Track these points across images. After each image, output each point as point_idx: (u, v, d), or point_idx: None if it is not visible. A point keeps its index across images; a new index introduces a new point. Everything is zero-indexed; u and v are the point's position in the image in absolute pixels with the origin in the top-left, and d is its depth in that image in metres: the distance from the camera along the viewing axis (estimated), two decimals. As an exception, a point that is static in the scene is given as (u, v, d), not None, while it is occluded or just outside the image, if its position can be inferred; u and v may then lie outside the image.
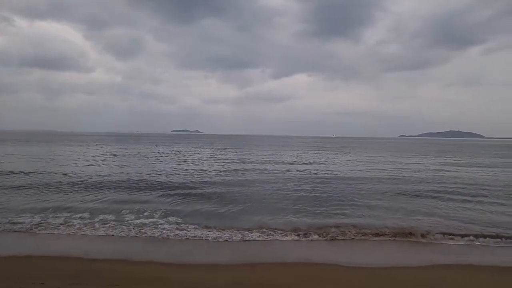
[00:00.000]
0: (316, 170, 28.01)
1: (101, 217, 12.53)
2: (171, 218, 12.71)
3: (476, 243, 10.66)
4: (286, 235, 11.16)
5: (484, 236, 11.01)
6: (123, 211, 13.42)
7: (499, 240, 10.86)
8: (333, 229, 11.61)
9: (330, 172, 26.62)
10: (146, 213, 13.27)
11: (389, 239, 10.98)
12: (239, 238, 10.85)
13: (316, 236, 11.10)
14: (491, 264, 9.00)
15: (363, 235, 11.23)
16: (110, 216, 12.71)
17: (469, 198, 16.83)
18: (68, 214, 12.78)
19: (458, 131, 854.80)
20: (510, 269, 8.71)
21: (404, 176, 24.78)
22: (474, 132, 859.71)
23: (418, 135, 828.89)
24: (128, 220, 12.31)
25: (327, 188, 19.07)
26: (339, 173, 26.14)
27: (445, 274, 8.35)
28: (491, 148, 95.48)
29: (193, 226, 11.69)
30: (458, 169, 31.49)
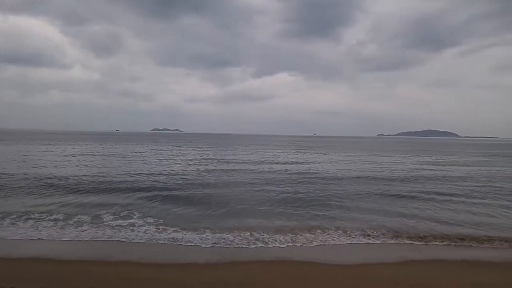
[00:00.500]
0: (298, 170, 27.90)
1: (76, 218, 12.23)
2: (149, 219, 12.52)
3: (451, 243, 10.90)
4: (266, 235, 11.17)
5: (458, 237, 11.23)
6: (99, 213, 13.13)
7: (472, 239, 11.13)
8: (317, 230, 11.69)
9: (312, 172, 26.54)
10: (123, 214, 13.01)
11: (369, 238, 11.15)
12: (218, 238, 10.81)
13: (297, 236, 11.17)
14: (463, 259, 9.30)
15: (343, 232, 11.40)
16: (86, 217, 12.42)
17: (448, 198, 17.00)
18: (42, 216, 12.40)
19: (435, 130, 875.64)
20: (480, 263, 9.02)
21: (385, 175, 24.99)
22: (450, 131, 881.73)
23: (396, 134, 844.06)
24: (105, 222, 12.05)
25: (309, 188, 18.99)
26: (321, 173, 26.10)
27: (420, 270, 8.56)
28: (467, 147, 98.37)
29: (172, 229, 11.51)
30: (437, 168, 32.29)
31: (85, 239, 10.37)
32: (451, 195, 17.65)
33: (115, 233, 10.95)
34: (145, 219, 12.49)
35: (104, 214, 12.96)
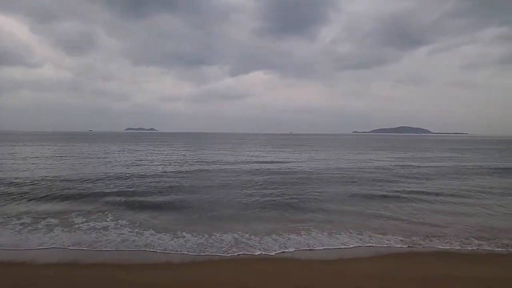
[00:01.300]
0: (276, 169, 27.46)
1: (46, 222, 11.90)
2: (122, 222, 12.34)
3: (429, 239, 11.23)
4: (244, 234, 11.20)
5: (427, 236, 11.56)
6: (71, 215, 12.83)
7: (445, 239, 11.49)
8: (296, 230, 11.80)
9: (290, 172, 26.02)
10: (95, 217, 12.76)
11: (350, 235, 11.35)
12: (194, 240, 10.76)
13: (276, 235, 11.25)
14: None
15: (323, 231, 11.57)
16: (56, 220, 12.11)
17: (425, 198, 16.92)
18: (11, 220, 12.02)
19: (408, 127, 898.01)
20: (453, 255, 9.36)
21: (363, 175, 24.37)
22: (422, 127, 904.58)
23: (371, 131, 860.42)
24: (77, 224, 11.79)
25: (286, 188, 18.70)
26: (298, 172, 25.56)
27: (388, 263, 8.87)
28: (439, 143, 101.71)
29: (149, 232, 11.36)
30: (414, 164, 32.94)
31: (55, 244, 10.09)
32: (429, 193, 17.78)
33: (88, 235, 10.75)
34: (117, 222, 12.30)
35: (75, 217, 12.65)
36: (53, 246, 9.84)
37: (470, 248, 9.82)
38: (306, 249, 10.00)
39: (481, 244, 10.18)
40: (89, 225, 11.76)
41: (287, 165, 30.72)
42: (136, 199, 15.75)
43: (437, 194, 17.44)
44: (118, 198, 15.79)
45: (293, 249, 9.95)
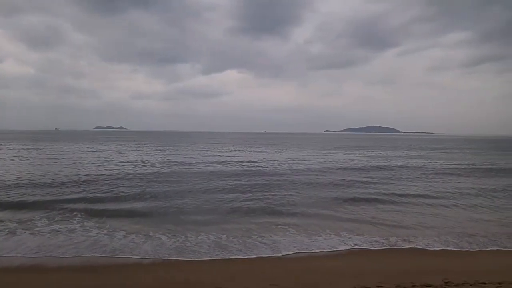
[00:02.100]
0: (251, 170, 26.98)
1: (6, 227, 11.47)
2: (87, 223, 12.15)
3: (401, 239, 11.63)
4: (214, 236, 11.24)
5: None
6: (34, 218, 12.52)
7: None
8: (268, 230, 12.03)
9: (265, 173, 25.51)
10: (59, 219, 12.54)
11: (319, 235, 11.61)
12: (168, 241, 10.72)
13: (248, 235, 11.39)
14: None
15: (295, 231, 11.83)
16: (18, 225, 11.72)
17: (399, 200, 17.19)
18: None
19: (378, 126, 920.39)
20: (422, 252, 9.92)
21: (338, 177, 23.77)
22: (391, 127, 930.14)
23: (342, 131, 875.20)
24: (40, 228, 11.52)
25: (262, 192, 18.23)
26: (275, 174, 25.11)
27: (362, 261, 9.25)
28: (408, 142, 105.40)
29: (122, 233, 11.25)
30: (388, 165, 33.57)
31: (17, 249, 9.74)
32: (403, 195, 18.13)
33: (53, 238, 10.52)
34: (83, 223, 12.11)
35: (38, 219, 12.40)
36: (14, 251, 9.52)
37: (438, 248, 10.28)
38: (281, 249, 10.17)
39: (449, 242, 10.68)
40: (53, 229, 11.48)
41: (262, 166, 30.17)
42: (106, 206, 14.86)
43: (413, 196, 17.77)
44: (84, 205, 14.77)
45: (266, 250, 10.09)
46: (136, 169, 26.39)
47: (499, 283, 7.05)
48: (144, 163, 31.55)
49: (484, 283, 7.09)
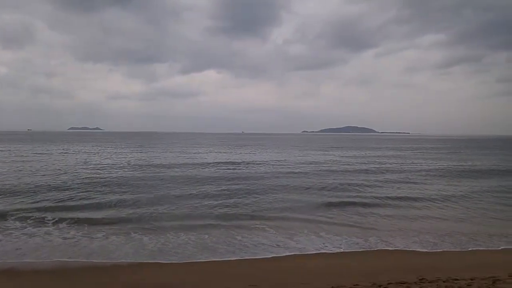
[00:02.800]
0: (229, 172, 26.52)
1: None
2: (61, 225, 11.91)
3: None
4: (190, 239, 11.17)
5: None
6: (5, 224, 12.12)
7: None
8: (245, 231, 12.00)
9: (245, 176, 24.87)
10: (32, 221, 12.27)
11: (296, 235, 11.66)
12: (147, 240, 10.69)
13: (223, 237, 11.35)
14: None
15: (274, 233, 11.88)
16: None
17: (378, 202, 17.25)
18: None
19: (355, 126, 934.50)
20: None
21: (317, 180, 23.12)
22: (368, 127, 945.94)
23: (319, 131, 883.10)
24: (11, 230, 11.23)
25: (241, 195, 17.83)
26: (254, 177, 24.08)
27: (338, 261, 9.46)
28: (385, 142, 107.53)
29: (100, 235, 11.01)
30: (365, 168, 34.07)
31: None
32: (382, 198, 18.42)
33: (24, 240, 10.27)
34: (58, 225, 11.92)
35: (11, 220, 12.05)
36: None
37: (413, 249, 10.54)
38: (260, 250, 10.26)
39: (423, 243, 10.99)
40: (26, 233, 11.19)
41: (241, 168, 29.87)
42: (78, 214, 13.79)
43: (391, 198, 17.82)
44: (57, 213, 13.77)
45: (245, 251, 10.15)
46: (111, 173, 25.08)
47: (471, 279, 7.27)
48: (119, 166, 30.14)
49: (457, 279, 7.31)
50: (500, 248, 10.61)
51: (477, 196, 18.79)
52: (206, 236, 11.38)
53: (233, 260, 9.48)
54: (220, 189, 19.64)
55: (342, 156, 45.40)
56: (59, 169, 26.56)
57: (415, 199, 17.75)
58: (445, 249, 10.49)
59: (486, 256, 9.81)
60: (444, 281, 7.23)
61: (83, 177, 22.80)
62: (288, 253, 10.03)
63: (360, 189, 20.46)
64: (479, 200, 17.93)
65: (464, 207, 16.26)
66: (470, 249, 10.56)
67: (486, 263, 8.86)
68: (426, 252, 10.30)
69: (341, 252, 10.21)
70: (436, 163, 36.90)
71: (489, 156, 47.82)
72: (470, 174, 28.09)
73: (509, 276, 7.39)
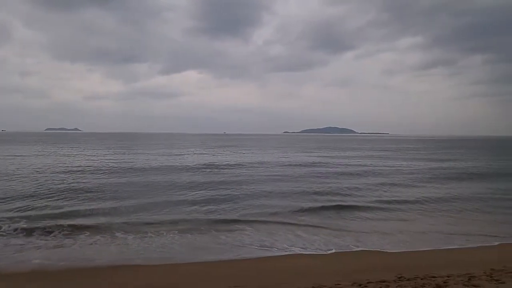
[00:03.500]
0: (214, 175, 25.88)
1: None
2: (23, 225, 11.55)
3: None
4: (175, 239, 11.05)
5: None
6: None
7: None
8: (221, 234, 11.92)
9: (229, 179, 24.03)
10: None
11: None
12: (124, 241, 10.62)
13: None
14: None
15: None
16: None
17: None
18: None
19: (335, 127, 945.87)
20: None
21: (301, 185, 22.36)
22: (348, 128, 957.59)
23: (300, 132, 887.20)
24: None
25: (226, 203, 16.85)
26: (237, 182, 22.95)
27: (315, 261, 9.59)
28: (366, 142, 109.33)
29: (82, 237, 10.78)
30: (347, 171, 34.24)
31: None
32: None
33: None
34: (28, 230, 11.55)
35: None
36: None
37: (392, 250, 10.72)
38: (239, 251, 10.32)
39: (401, 243, 11.27)
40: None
41: (225, 170, 29.18)
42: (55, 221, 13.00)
43: (372, 201, 17.79)
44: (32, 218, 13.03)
45: (225, 253, 10.19)
46: (89, 178, 23.45)
47: (448, 276, 7.45)
48: (98, 169, 28.27)
49: (434, 277, 7.47)
50: (476, 246, 10.93)
51: (454, 197, 19.14)
52: (189, 237, 11.37)
53: (215, 261, 9.47)
54: (202, 192, 19.37)
55: (323, 157, 45.87)
56: (32, 173, 25.19)
57: (393, 202, 17.77)
58: (422, 249, 10.70)
59: (462, 255, 10.08)
60: (422, 279, 7.38)
61: (58, 182, 21.68)
62: (269, 255, 10.07)
63: (341, 192, 20.43)
64: (456, 200, 18.36)
65: (441, 209, 16.53)
66: (447, 248, 10.81)
67: (462, 261, 9.09)
68: (404, 251, 10.50)
69: (321, 253, 10.31)
70: (414, 164, 37.56)
71: (465, 157, 49.21)
72: (448, 175, 28.57)
73: (484, 273, 7.59)
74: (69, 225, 12.28)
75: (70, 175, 24.83)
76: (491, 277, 7.30)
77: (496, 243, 11.21)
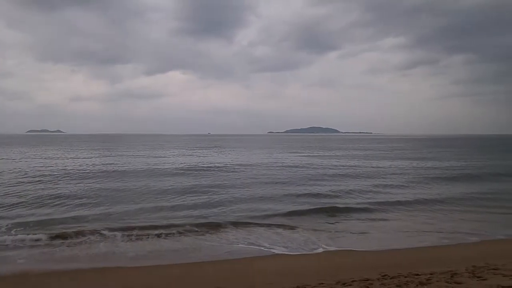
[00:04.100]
0: (199, 177, 25.34)
1: None
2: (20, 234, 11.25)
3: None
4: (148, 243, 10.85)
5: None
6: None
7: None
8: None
9: (214, 182, 23.30)
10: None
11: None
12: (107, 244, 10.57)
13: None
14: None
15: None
16: None
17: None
18: None
19: (319, 127, 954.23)
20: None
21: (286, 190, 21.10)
22: (332, 127, 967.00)
23: (285, 132, 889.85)
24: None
25: (210, 206, 16.42)
26: (223, 184, 22.49)
27: (290, 260, 9.57)
28: (349, 142, 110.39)
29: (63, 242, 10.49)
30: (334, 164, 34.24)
31: None
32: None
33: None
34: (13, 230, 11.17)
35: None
36: None
37: (374, 249, 10.79)
38: (223, 252, 10.33)
39: (383, 242, 11.43)
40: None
41: (210, 172, 28.54)
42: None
43: (357, 203, 17.56)
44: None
45: (208, 253, 10.19)
46: (69, 182, 22.30)
47: (431, 274, 7.47)
48: (79, 173, 26.64)
49: (417, 274, 7.49)
50: (457, 243, 11.10)
51: (435, 197, 19.24)
52: (172, 240, 11.32)
53: (198, 262, 9.37)
54: (185, 196, 18.73)
55: (308, 156, 46.09)
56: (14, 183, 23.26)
57: (377, 203, 17.64)
58: (404, 247, 10.80)
59: (444, 252, 10.19)
60: (405, 277, 7.39)
61: (38, 186, 20.88)
62: (253, 255, 10.00)
63: (325, 193, 20.26)
64: (437, 199, 18.52)
65: (421, 208, 16.64)
66: (428, 245, 10.94)
67: (444, 258, 9.17)
68: (386, 250, 10.57)
69: (305, 253, 10.30)
70: (398, 164, 37.70)
71: (446, 155, 50.14)
72: (430, 175, 28.81)
73: (466, 270, 7.64)
74: (49, 230, 11.96)
75: (45, 178, 24.03)
76: (473, 273, 7.35)
77: (477, 240, 11.36)
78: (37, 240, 10.87)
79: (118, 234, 11.67)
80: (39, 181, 22.46)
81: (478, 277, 7.08)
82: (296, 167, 33.51)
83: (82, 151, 56.23)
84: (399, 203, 17.75)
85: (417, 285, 6.75)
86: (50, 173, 26.56)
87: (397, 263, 8.75)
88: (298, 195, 19.45)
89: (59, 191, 19.24)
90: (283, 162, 37.88)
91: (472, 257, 9.02)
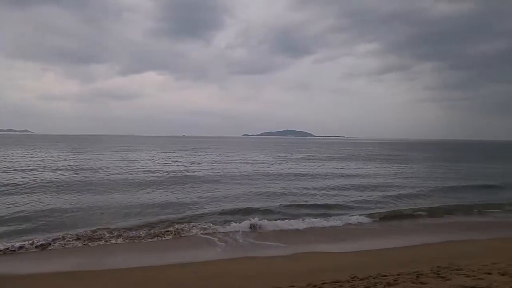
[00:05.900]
0: (172, 181, 24.26)
1: None
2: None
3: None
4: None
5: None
6: None
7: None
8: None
9: (188, 186, 22.38)
10: None
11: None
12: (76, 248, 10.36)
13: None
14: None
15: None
16: None
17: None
18: None
19: (293, 130, 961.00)
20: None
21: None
22: (305, 131, 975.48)
23: (259, 134, 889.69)
24: None
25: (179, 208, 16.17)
26: (198, 189, 21.56)
27: (261, 262, 9.52)
28: (323, 145, 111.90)
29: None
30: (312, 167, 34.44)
31: None
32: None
33: None
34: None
35: None
36: None
37: (342, 251, 11.22)
38: (190, 255, 10.26)
39: (353, 244, 11.96)
40: None
41: (182, 175, 27.47)
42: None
43: (323, 206, 17.46)
44: None
45: (178, 256, 10.07)
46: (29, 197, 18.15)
47: (398, 274, 7.70)
48: (40, 178, 23.53)
49: (385, 275, 7.70)
50: (421, 244, 11.52)
51: (400, 198, 19.99)
52: (137, 242, 11.27)
53: (164, 265, 9.31)
54: (158, 200, 18.00)
55: (283, 159, 46.44)
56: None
57: (344, 206, 17.72)
58: (373, 248, 11.10)
59: (409, 253, 10.52)
60: (374, 278, 7.58)
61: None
62: (223, 257, 10.05)
63: (294, 193, 20.55)
64: (402, 200, 19.44)
65: (386, 209, 17.08)
66: (394, 247, 11.30)
67: (410, 259, 9.48)
68: (355, 251, 10.82)
69: (275, 255, 10.41)
70: (366, 167, 38.78)
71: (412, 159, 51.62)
72: (399, 176, 30.05)
73: (431, 270, 7.93)
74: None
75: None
76: (437, 274, 7.62)
77: (441, 241, 11.81)
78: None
79: (84, 240, 11.44)
80: None
81: (442, 278, 7.34)
82: (272, 174, 33.57)
83: (55, 152, 53.77)
84: (365, 204, 18.38)
85: (384, 286, 6.93)
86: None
87: (366, 264, 8.98)
88: (268, 196, 20.04)
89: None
90: (260, 166, 37.94)
91: (437, 257, 9.37)
